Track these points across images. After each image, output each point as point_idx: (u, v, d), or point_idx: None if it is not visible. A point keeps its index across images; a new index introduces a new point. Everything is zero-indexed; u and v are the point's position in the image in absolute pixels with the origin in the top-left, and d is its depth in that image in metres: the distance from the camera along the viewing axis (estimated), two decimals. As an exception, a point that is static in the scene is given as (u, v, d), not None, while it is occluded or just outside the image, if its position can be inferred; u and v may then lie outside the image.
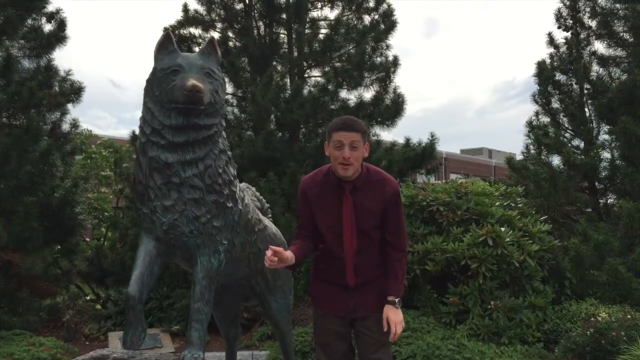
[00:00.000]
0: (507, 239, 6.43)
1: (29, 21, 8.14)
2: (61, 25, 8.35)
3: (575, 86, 10.52)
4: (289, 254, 2.91)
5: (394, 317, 2.98)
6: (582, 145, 10.35)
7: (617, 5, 10.23)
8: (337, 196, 2.99)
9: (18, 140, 7.05)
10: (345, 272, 3.05)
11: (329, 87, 9.41)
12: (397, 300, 3.01)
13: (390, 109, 9.96)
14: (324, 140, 3.14)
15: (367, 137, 3.03)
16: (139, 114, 3.20)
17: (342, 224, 2.98)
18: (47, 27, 8.32)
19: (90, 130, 12.39)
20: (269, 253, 2.84)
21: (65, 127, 8.38)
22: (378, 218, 3.02)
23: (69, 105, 8.37)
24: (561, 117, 10.64)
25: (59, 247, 8.19)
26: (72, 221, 7.86)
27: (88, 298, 8.75)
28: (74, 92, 8.36)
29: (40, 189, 7.36)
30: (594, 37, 10.51)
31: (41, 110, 7.85)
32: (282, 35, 10.45)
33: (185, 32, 10.32)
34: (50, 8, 8.33)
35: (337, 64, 10.03)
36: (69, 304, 8.08)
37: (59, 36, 8.30)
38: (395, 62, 10.23)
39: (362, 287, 3.08)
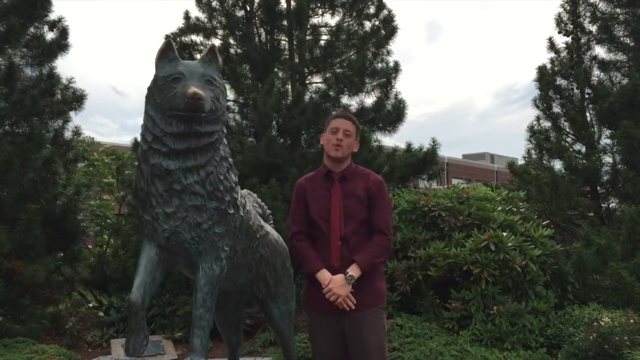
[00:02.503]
0: (509, 244, 6.43)
1: (31, 29, 8.16)
2: (63, 33, 8.38)
3: (576, 91, 10.55)
4: (327, 273, 3.15)
5: (334, 285, 3.08)
6: (583, 149, 10.37)
7: (618, 10, 10.27)
8: (327, 185, 3.29)
9: (21, 148, 7.06)
10: (330, 258, 3.19)
11: (330, 93, 9.43)
12: (350, 275, 3.10)
13: (391, 114, 9.98)
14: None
15: (359, 135, 3.39)
16: (141, 120, 3.22)
17: (331, 208, 3.21)
18: (50, 35, 8.35)
19: (93, 138, 12.46)
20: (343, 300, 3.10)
21: (68, 134, 8.40)
22: (365, 206, 3.24)
23: (72, 113, 8.37)
24: (562, 121, 10.67)
25: (61, 254, 8.19)
26: (75, 228, 7.85)
27: (91, 305, 8.75)
28: (76, 99, 8.37)
29: (42, 197, 7.36)
30: (594, 41, 10.55)
31: (44, 118, 7.87)
32: (283, 42, 10.49)
33: (186, 39, 10.37)
34: (53, 16, 8.37)
35: (338, 70, 10.06)
36: (71, 311, 8.07)
37: (61, 44, 8.32)
38: (396, 68, 10.25)
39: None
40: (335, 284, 3.08)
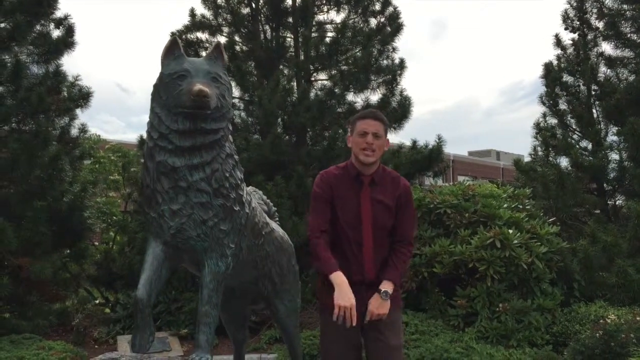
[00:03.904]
0: (515, 241, 6.42)
1: (38, 27, 8.18)
2: (69, 30, 8.40)
3: (582, 87, 10.50)
4: (344, 283, 2.92)
5: (375, 307, 3.01)
6: (590, 146, 10.32)
7: (625, 6, 10.19)
8: (356, 189, 3.12)
9: (27, 146, 7.09)
10: (363, 267, 3.07)
11: (336, 90, 9.42)
12: (384, 291, 3.03)
13: (397, 111, 9.96)
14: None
15: (387, 132, 3.18)
16: (146, 118, 3.23)
17: (362, 216, 3.07)
18: (56, 33, 8.37)
19: (99, 135, 12.44)
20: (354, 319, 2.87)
21: (74, 132, 8.42)
22: (393, 213, 3.12)
23: (78, 111, 8.41)
24: (569, 118, 10.62)
25: (68, 251, 8.23)
26: (81, 225, 7.89)
27: (97, 302, 8.79)
28: (83, 97, 8.40)
29: (49, 194, 7.39)
30: (601, 38, 10.48)
31: (50, 115, 7.90)
32: (289, 39, 10.49)
33: (192, 36, 10.38)
34: (59, 14, 8.39)
35: (344, 67, 10.04)
36: (78, 308, 8.12)
37: (67, 42, 8.34)
38: (402, 65, 10.23)
39: (374, 286, 3.09)
40: (377, 309, 3.00)
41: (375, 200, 3.09)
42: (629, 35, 10.15)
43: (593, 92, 10.39)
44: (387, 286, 3.04)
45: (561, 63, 10.71)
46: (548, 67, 10.72)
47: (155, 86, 3.19)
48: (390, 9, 10.48)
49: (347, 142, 3.22)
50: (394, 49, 10.32)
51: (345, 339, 3.11)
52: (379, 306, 3.01)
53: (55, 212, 7.35)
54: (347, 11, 10.53)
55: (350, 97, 9.94)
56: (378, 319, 3.03)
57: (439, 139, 9.68)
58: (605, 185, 9.91)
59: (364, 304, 3.06)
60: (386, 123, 3.17)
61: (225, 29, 10.52)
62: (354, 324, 2.88)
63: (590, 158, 9.78)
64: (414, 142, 9.99)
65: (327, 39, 10.19)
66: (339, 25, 10.18)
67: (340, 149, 8.55)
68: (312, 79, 10.30)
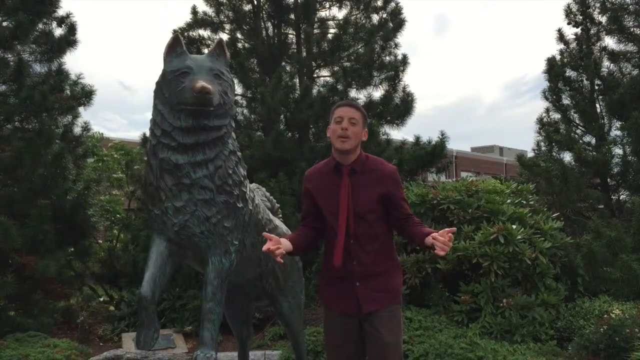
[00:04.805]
0: (519, 237, 6.42)
1: (40, 25, 8.20)
2: (71, 29, 8.42)
3: (585, 82, 10.46)
4: (286, 242, 2.95)
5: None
6: (593, 141, 10.30)
7: (627, 0, 10.15)
8: (336, 179, 3.09)
9: (31, 144, 7.11)
10: (334, 255, 3.05)
11: (338, 86, 9.42)
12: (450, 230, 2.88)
13: (399, 107, 9.95)
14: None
15: (366, 123, 3.16)
16: (149, 115, 3.23)
17: (339, 204, 3.04)
18: (58, 32, 8.39)
19: (102, 133, 12.46)
20: (269, 245, 2.84)
21: (77, 130, 8.45)
22: (377, 202, 3.07)
23: (80, 109, 8.44)
24: (572, 113, 10.58)
25: (72, 249, 8.25)
26: (85, 223, 7.91)
27: (101, 299, 8.82)
28: (85, 95, 8.42)
29: (53, 192, 7.41)
30: (604, 32, 10.44)
31: (53, 114, 7.92)
32: (291, 36, 10.48)
33: (194, 34, 10.38)
34: (61, 12, 8.41)
35: (346, 64, 10.04)
36: (82, 306, 8.15)
37: (69, 40, 8.36)
38: (404, 61, 10.22)
39: (367, 279, 3.07)
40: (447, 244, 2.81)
41: (356, 189, 3.05)
42: (632, 30, 10.11)
43: (596, 87, 10.35)
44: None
45: (564, 58, 10.67)
46: (551, 62, 10.68)
47: (157, 83, 3.19)
48: (392, 4, 10.49)
49: (327, 133, 3.18)
50: (396, 45, 10.31)
51: (347, 335, 3.13)
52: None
53: (59, 210, 7.36)
54: (348, 7, 10.53)
55: (352, 93, 9.95)
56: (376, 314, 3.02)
57: (442, 135, 9.69)
58: (608, 180, 9.88)
59: (353, 298, 3.06)
60: (364, 113, 3.14)
61: (227, 26, 10.53)
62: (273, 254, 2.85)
63: (594, 153, 9.76)
64: (417, 138, 10.00)
65: (329, 36, 10.20)
66: (341, 22, 10.18)
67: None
68: (315, 75, 10.31)
